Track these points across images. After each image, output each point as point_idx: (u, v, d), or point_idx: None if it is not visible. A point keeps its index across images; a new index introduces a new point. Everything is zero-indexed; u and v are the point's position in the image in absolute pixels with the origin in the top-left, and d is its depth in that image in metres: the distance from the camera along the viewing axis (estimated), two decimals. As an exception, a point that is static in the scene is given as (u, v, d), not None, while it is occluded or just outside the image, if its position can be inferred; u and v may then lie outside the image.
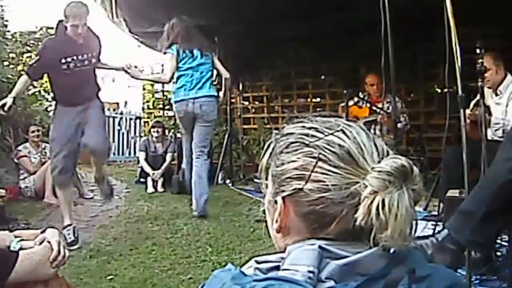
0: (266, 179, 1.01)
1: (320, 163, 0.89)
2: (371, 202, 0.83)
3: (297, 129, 0.97)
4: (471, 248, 2.94)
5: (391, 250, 0.87)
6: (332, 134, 0.92)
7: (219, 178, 7.99)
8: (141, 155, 8.33)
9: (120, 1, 6.70)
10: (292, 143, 0.95)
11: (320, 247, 0.87)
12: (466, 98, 3.39)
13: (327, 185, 0.88)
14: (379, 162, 0.88)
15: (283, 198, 0.93)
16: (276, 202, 0.95)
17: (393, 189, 0.83)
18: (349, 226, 0.87)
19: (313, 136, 0.92)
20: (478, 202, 2.81)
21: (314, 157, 0.90)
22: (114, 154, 12.52)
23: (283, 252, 0.93)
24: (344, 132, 0.92)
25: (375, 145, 0.92)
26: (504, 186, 2.68)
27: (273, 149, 1.00)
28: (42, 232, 2.14)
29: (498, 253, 3.40)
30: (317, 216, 0.89)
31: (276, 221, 0.95)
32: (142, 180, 8.28)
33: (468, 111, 4.12)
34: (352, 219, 0.86)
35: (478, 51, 3.66)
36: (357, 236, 0.88)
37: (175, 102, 5.68)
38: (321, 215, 0.89)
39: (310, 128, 0.95)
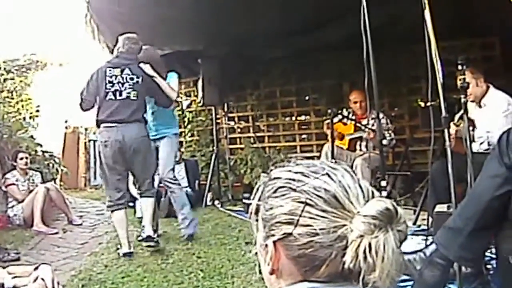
0: (256, 221, 1.04)
1: (307, 208, 0.92)
2: (358, 246, 0.86)
3: (284, 173, 1.00)
4: (460, 263, 2.98)
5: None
6: (317, 178, 0.95)
7: (208, 199, 7.96)
8: (129, 179, 8.28)
9: (103, 28, 6.72)
10: (280, 187, 0.97)
11: None
12: (449, 112, 3.45)
13: (315, 229, 0.90)
14: (365, 203, 0.91)
15: (274, 242, 0.96)
16: (267, 245, 0.98)
17: (379, 232, 0.86)
18: (339, 268, 0.90)
19: (299, 180, 0.95)
20: (466, 218, 2.85)
21: (302, 202, 0.92)
22: (101, 177, 12.42)
23: None
24: (329, 176, 0.95)
25: (360, 187, 0.95)
26: (492, 203, 2.72)
27: (262, 192, 1.02)
28: (35, 269, 2.15)
29: (489, 266, 3.42)
30: (307, 259, 0.92)
31: (268, 264, 0.97)
32: (130, 204, 8.21)
33: (452, 124, 4.18)
34: (341, 261, 0.89)
35: (460, 67, 3.72)
36: (347, 277, 0.91)
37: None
38: (311, 258, 0.92)
39: (296, 173, 0.98)
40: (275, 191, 0.98)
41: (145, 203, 5.55)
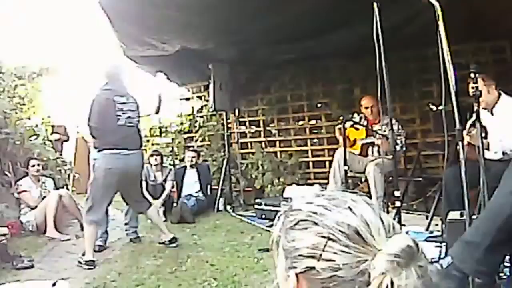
0: (277, 249, 1.04)
1: (330, 243, 0.92)
2: (381, 283, 0.87)
3: (305, 205, 1.00)
4: (477, 277, 2.97)
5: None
6: (340, 212, 0.95)
7: (220, 204, 7.97)
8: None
9: (116, 26, 6.73)
10: (301, 220, 0.97)
11: None
12: (461, 117, 3.44)
13: (338, 264, 0.90)
14: (386, 237, 0.92)
15: (296, 274, 0.96)
16: (289, 276, 0.98)
17: (401, 270, 0.87)
18: None
19: (321, 214, 0.95)
20: (483, 234, 2.85)
21: (324, 237, 0.93)
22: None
23: None
24: (351, 210, 0.95)
25: (381, 220, 0.95)
26: (510, 219, 2.70)
27: (283, 223, 1.03)
28: (53, 285, 2.18)
29: (501, 274, 3.41)
30: None
31: None
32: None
33: (465, 134, 4.16)
34: None
35: (472, 75, 3.70)
36: None
37: None
38: None
39: (318, 206, 0.98)
40: (296, 223, 0.98)
41: (153, 212, 6.05)
